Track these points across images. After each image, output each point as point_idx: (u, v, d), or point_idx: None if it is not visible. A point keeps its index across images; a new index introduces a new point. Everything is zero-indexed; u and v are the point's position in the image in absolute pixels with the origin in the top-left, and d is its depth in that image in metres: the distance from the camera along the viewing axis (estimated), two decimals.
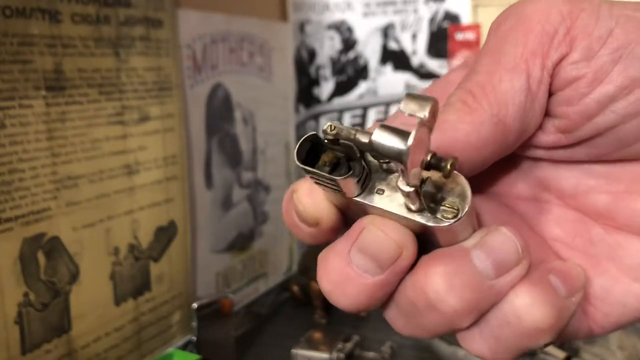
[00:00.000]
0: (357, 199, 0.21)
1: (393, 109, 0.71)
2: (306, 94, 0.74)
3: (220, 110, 0.56)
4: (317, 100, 0.75)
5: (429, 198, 0.20)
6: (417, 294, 0.21)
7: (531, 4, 0.21)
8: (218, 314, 0.49)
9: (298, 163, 0.20)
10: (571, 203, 0.24)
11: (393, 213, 0.21)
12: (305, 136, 0.20)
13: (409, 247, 0.21)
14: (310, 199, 0.22)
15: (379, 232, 0.21)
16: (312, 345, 0.49)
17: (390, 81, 0.73)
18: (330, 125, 0.19)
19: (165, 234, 0.48)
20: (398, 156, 0.18)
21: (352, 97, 0.74)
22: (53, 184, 0.38)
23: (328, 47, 0.74)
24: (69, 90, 0.39)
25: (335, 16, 0.73)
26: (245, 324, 0.59)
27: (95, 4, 0.41)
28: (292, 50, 0.69)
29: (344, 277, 0.21)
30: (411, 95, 0.18)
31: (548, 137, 0.22)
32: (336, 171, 0.20)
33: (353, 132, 0.19)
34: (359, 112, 0.74)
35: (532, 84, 0.20)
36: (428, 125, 0.18)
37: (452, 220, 0.20)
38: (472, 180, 0.21)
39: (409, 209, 0.20)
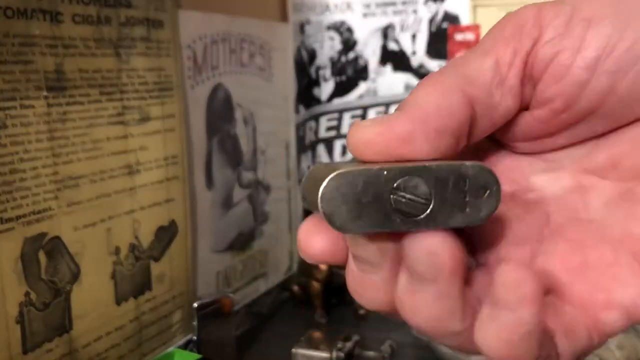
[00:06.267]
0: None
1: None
2: (306, 95, 0.74)
3: (220, 110, 0.56)
4: (317, 101, 0.75)
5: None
6: None
7: (509, 13, 0.23)
8: (218, 313, 0.49)
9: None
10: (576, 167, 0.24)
11: None
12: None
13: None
14: (311, 242, 0.22)
15: None
16: (312, 345, 0.49)
17: (390, 82, 0.73)
18: None
19: (166, 234, 0.49)
20: None
21: (352, 97, 0.74)
22: (54, 184, 0.38)
23: (328, 47, 0.74)
24: (70, 90, 0.39)
25: (335, 17, 0.73)
26: (246, 323, 0.59)
27: (96, 5, 0.41)
28: (292, 50, 0.69)
29: None
30: None
31: (549, 124, 0.22)
32: None
33: None
34: (358, 112, 0.74)
35: (502, 65, 0.21)
36: None
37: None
38: None
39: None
